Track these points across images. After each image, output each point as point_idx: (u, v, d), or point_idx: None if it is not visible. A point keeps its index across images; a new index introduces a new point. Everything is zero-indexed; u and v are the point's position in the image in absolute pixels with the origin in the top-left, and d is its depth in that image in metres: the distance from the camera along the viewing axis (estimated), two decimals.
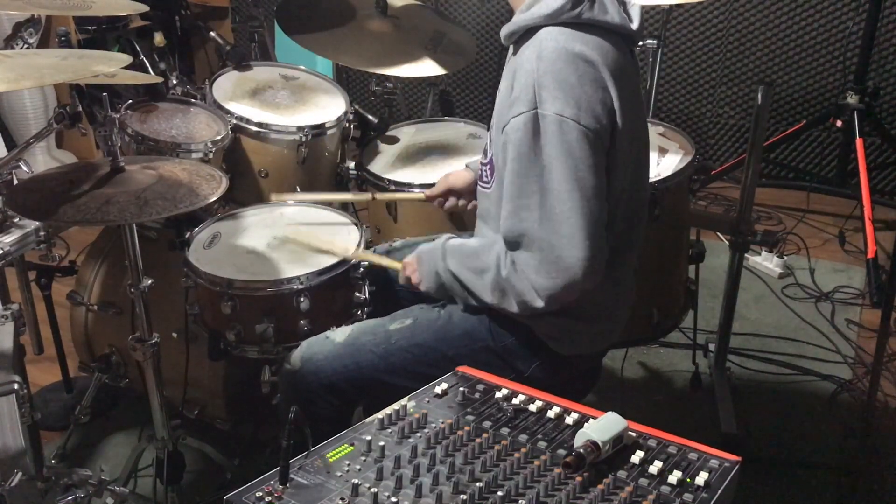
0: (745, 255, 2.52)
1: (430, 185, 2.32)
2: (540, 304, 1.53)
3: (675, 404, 2.60)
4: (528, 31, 1.57)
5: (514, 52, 1.63)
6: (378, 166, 2.49)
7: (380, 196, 2.28)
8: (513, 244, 1.55)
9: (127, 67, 1.72)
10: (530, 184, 1.50)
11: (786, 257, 3.33)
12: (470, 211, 2.03)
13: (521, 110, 1.50)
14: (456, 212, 2.11)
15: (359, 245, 1.98)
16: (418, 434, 1.28)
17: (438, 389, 1.41)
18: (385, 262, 1.93)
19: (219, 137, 2.29)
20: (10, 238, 1.84)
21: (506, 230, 1.54)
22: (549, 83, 1.48)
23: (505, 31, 1.62)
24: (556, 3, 1.52)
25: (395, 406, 1.36)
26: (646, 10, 3.73)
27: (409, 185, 2.34)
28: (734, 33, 3.96)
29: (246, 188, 2.44)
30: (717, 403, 2.48)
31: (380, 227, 2.46)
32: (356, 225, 2.10)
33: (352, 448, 1.25)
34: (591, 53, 1.51)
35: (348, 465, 1.20)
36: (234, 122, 2.37)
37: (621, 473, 1.20)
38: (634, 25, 1.61)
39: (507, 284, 1.56)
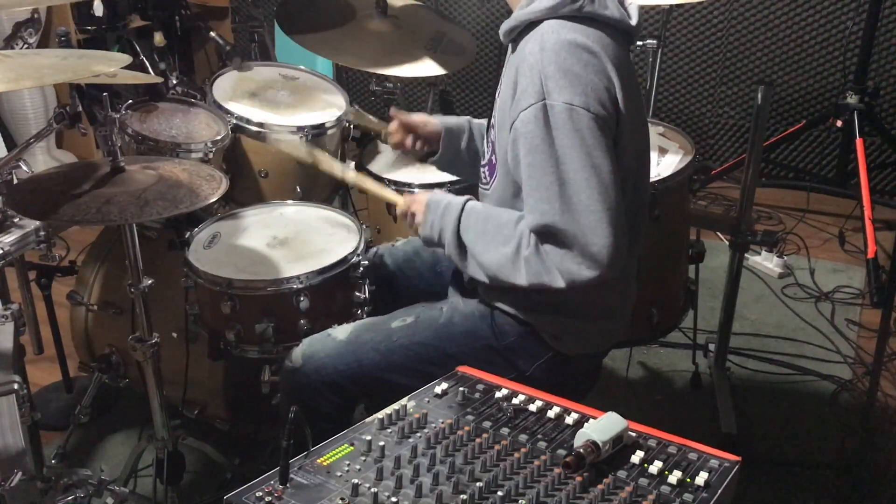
0: (745, 255, 2.52)
1: (431, 186, 2.33)
2: (561, 284, 1.51)
3: (675, 404, 2.60)
4: (529, 27, 1.57)
5: (514, 50, 1.63)
6: (378, 166, 2.49)
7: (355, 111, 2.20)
8: (537, 239, 1.53)
9: (127, 67, 1.71)
10: (547, 176, 1.49)
11: (786, 257, 3.33)
12: (416, 152, 1.99)
13: (529, 103, 1.49)
14: (405, 151, 2.03)
15: (359, 246, 1.98)
16: (418, 434, 1.28)
17: (438, 389, 1.41)
18: (387, 194, 1.92)
19: (219, 137, 2.29)
20: (10, 238, 1.84)
21: (528, 225, 1.53)
22: (555, 73, 1.48)
23: (505, 27, 1.62)
24: None
25: (395, 406, 1.35)
26: (646, 10, 3.75)
27: (409, 185, 2.34)
28: (734, 33, 3.96)
29: (246, 188, 2.44)
30: (717, 403, 2.48)
31: (380, 228, 2.46)
32: (356, 224, 2.10)
33: (352, 448, 1.25)
34: (593, 45, 1.52)
35: (348, 465, 1.20)
36: (234, 122, 2.37)
37: (621, 473, 1.20)
38: (633, 22, 1.61)
39: (525, 263, 1.53)
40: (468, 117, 1.98)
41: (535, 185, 1.51)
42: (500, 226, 1.59)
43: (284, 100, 2.57)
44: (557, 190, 1.48)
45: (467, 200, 1.68)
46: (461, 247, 1.65)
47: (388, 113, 2.02)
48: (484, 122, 1.96)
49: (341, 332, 1.76)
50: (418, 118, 1.97)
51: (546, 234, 1.51)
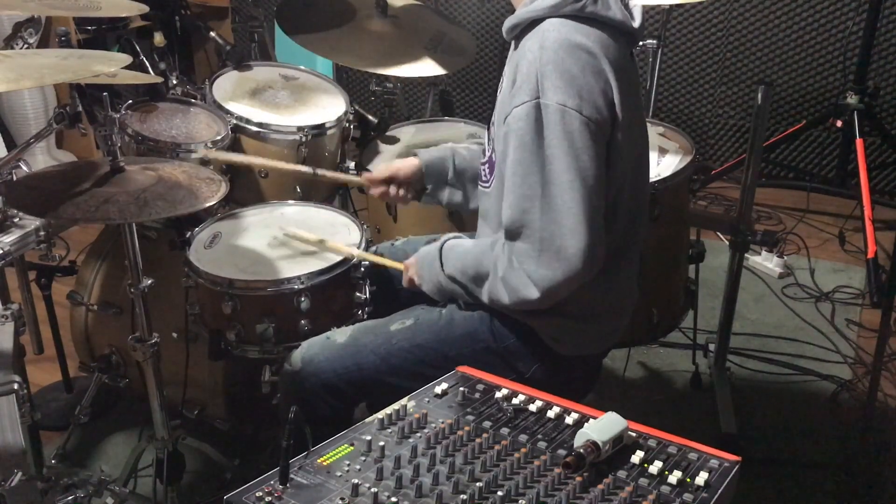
0: (745, 255, 2.52)
1: None
2: (535, 295, 1.52)
3: (675, 404, 2.60)
4: (531, 24, 1.57)
5: (516, 47, 1.63)
6: (378, 166, 2.49)
7: (321, 172, 2.13)
8: (513, 234, 1.54)
9: (127, 67, 1.72)
10: (532, 174, 1.49)
11: (786, 257, 3.33)
12: (402, 200, 1.98)
13: (523, 100, 1.50)
14: (392, 202, 2.02)
15: (360, 245, 1.98)
16: (418, 434, 1.28)
17: (438, 389, 1.41)
18: (388, 263, 1.93)
19: (219, 137, 2.29)
20: (10, 238, 1.84)
21: (507, 220, 1.54)
22: (552, 73, 1.48)
23: (508, 23, 1.62)
24: None
25: (395, 406, 1.36)
26: (646, 10, 3.72)
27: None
28: (734, 33, 3.96)
29: (246, 188, 2.44)
30: (717, 403, 2.48)
31: (380, 227, 2.46)
32: (357, 224, 2.10)
33: (352, 448, 1.25)
34: (592, 45, 1.52)
35: (348, 465, 1.20)
36: (234, 122, 2.37)
37: (621, 473, 1.20)
38: (636, 24, 1.61)
39: (503, 282, 1.56)
40: (451, 145, 1.99)
41: (518, 182, 1.51)
42: (477, 260, 1.63)
43: (284, 100, 2.57)
44: (540, 190, 1.49)
45: (443, 243, 1.72)
46: (458, 285, 1.68)
47: (363, 177, 2.03)
48: (476, 147, 1.98)
49: (340, 334, 1.77)
50: (388, 170, 1.97)
51: (521, 232, 1.52)
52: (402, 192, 1.99)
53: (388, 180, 1.98)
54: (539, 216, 1.49)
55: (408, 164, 1.97)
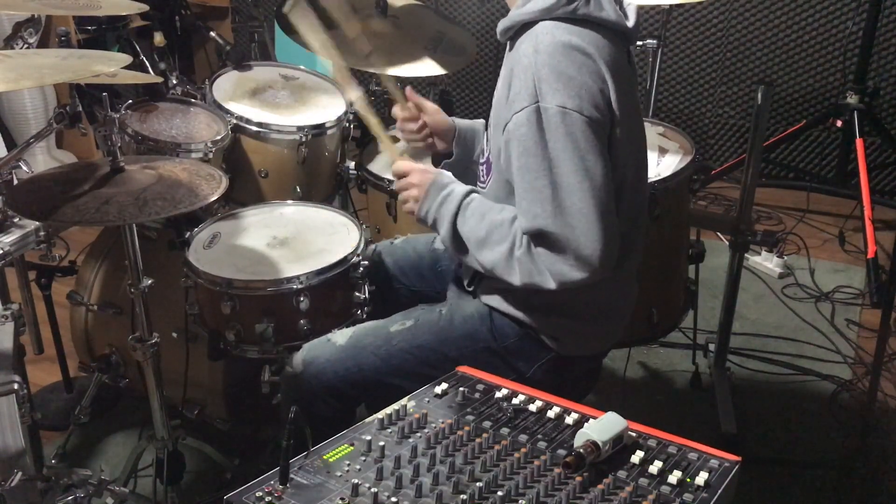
0: (745, 255, 2.52)
1: None
2: (552, 285, 1.51)
3: (675, 404, 2.60)
4: (524, 27, 1.57)
5: (511, 49, 1.63)
6: (378, 166, 2.49)
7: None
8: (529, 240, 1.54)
9: (127, 67, 1.72)
10: (539, 179, 1.49)
11: (786, 257, 3.33)
12: (422, 139, 1.95)
13: (522, 105, 1.49)
14: (411, 138, 1.97)
15: (358, 246, 1.98)
16: (418, 434, 1.28)
17: (438, 389, 1.41)
18: (386, 144, 1.87)
19: (219, 137, 2.29)
20: (10, 238, 1.84)
21: (521, 228, 1.54)
22: (549, 76, 1.48)
23: (501, 26, 1.62)
24: None
25: (395, 406, 1.36)
26: (646, 10, 3.75)
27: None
28: (734, 33, 3.96)
29: (246, 188, 2.44)
30: (717, 403, 2.48)
31: (380, 227, 2.46)
32: (356, 224, 2.10)
33: (352, 448, 1.25)
34: (587, 46, 1.51)
35: (348, 465, 1.20)
36: (234, 121, 2.37)
37: (621, 473, 1.20)
38: (630, 23, 1.61)
39: (518, 263, 1.54)
40: (483, 121, 1.94)
41: (527, 187, 1.51)
42: (494, 225, 1.59)
43: (284, 100, 2.57)
44: (550, 193, 1.48)
45: (468, 193, 1.65)
46: (457, 239, 1.64)
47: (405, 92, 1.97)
48: None
49: (341, 336, 1.76)
50: (431, 105, 1.94)
51: (538, 237, 1.51)
52: (426, 132, 1.94)
53: (421, 109, 1.93)
54: (552, 221, 1.48)
55: (444, 119, 1.93)
